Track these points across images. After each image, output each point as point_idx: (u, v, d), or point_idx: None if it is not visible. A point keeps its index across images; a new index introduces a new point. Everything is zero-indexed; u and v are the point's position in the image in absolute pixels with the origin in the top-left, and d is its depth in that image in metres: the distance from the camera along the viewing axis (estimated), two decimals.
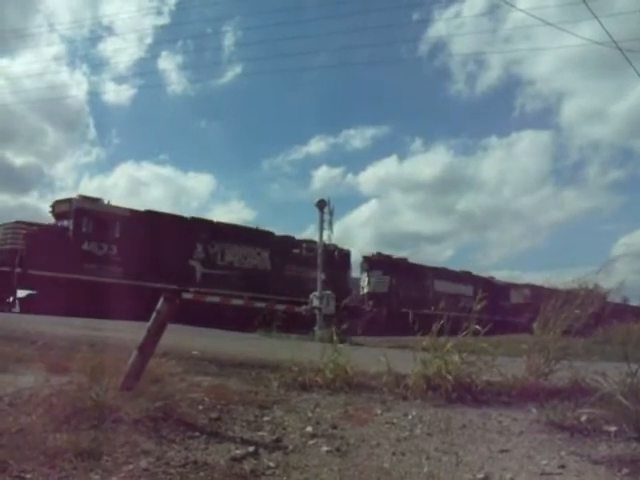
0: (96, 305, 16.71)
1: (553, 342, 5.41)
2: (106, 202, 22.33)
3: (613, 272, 6.80)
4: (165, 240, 22.01)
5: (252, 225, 29.40)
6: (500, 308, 34.87)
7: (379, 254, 33.40)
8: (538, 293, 36.61)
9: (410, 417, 4.33)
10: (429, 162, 75.80)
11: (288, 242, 27.94)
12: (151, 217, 22.78)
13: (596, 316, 7.17)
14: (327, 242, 21.88)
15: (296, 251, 27.71)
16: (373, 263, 32.91)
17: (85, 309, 15.90)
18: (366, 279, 32.47)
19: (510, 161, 78.07)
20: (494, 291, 36.51)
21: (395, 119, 76.53)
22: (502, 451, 3.52)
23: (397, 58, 52.85)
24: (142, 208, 23.84)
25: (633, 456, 3.38)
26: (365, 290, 32.36)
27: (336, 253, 27.93)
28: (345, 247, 30.90)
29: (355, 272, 32.66)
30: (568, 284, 6.12)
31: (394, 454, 3.41)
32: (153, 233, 21.63)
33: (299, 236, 29.84)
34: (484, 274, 41.11)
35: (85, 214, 21.09)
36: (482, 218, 78.06)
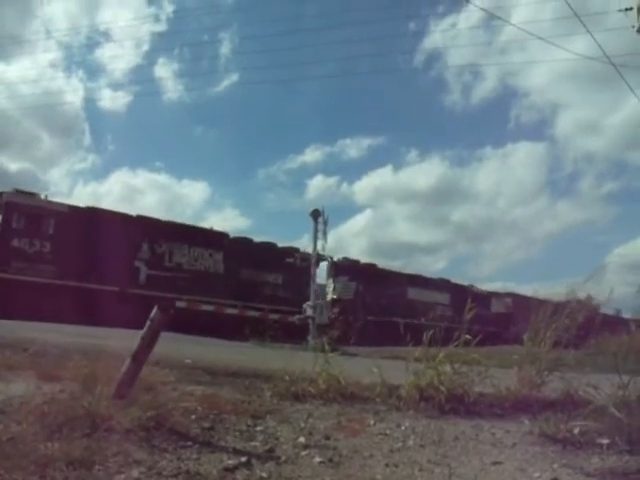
0: (25, 306, 16.13)
1: (544, 353, 5.42)
2: (43, 197, 21.04)
3: (605, 284, 6.82)
4: (107, 239, 20.36)
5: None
6: (479, 317, 34.23)
7: (345, 259, 31.58)
8: (520, 302, 35.22)
9: (403, 428, 4.33)
10: (424, 172, 75.93)
11: (244, 244, 26.47)
12: (92, 214, 21.26)
13: (587, 327, 7.17)
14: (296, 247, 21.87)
15: (253, 254, 26.15)
16: (338, 268, 30.85)
17: (12, 310, 14.95)
18: (331, 285, 30.33)
19: (505, 172, 78.37)
20: (473, 300, 37.10)
21: (391, 129, 76.70)
22: (495, 463, 3.52)
23: (394, 69, 53.18)
24: (82, 204, 22.49)
25: (625, 469, 3.39)
26: (330, 297, 30.14)
27: (297, 256, 27.06)
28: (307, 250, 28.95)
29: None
30: (556, 295, 6.09)
31: (387, 465, 3.41)
32: (93, 231, 20.24)
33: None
34: (466, 282, 40.29)
35: (16, 209, 19.84)
36: (477, 229, 78.17)
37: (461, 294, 34.03)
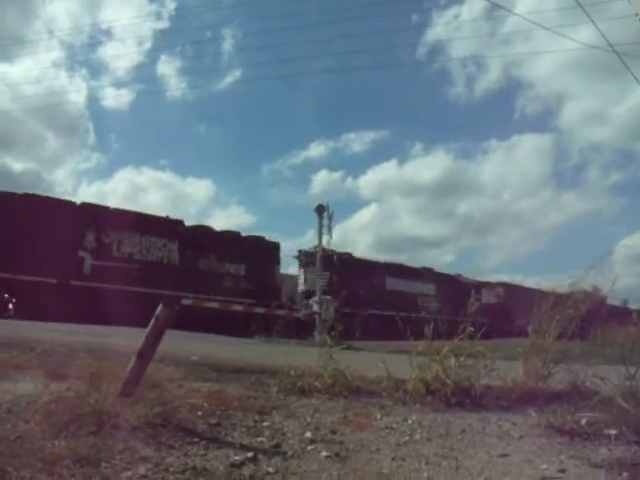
0: None
1: (549, 345, 5.40)
2: None
3: (609, 273, 6.78)
4: (46, 227, 19.14)
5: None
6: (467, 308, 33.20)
7: (318, 247, 30.27)
8: (513, 292, 35.30)
9: (409, 422, 4.33)
10: (429, 166, 75.83)
11: (203, 233, 24.99)
12: (29, 201, 20.00)
13: (593, 318, 7.14)
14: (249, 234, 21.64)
15: (213, 243, 24.78)
16: (310, 258, 28.37)
17: None
18: (302, 276, 29.18)
19: (510, 164, 78.13)
20: (460, 290, 33.68)
21: (395, 123, 76.63)
22: (502, 455, 3.52)
23: (397, 62, 53.00)
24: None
25: (633, 459, 3.37)
26: (301, 289, 29.04)
27: (262, 244, 26.10)
28: (274, 239, 28.30)
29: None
30: (562, 287, 6.04)
31: (394, 459, 3.40)
32: (32, 219, 19.08)
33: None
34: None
35: None
36: (482, 222, 78.02)
37: (448, 284, 34.23)
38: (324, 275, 27.50)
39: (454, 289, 32.33)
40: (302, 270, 28.89)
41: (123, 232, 22.27)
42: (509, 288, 37.34)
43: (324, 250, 29.53)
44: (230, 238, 25.58)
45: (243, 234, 26.80)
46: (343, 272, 28.34)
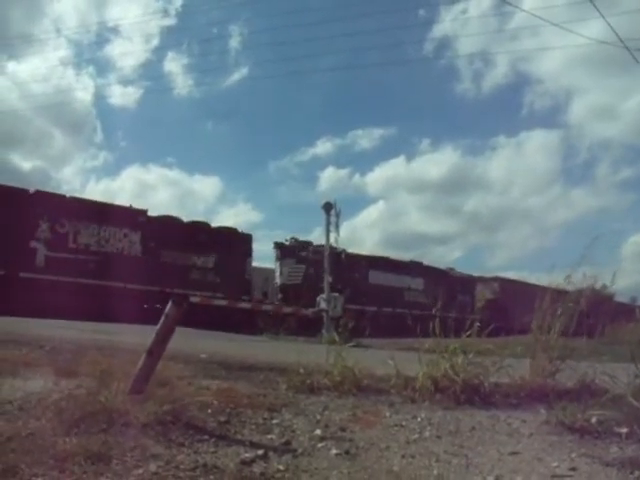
0: None
1: (555, 341, 5.36)
2: None
3: (622, 272, 6.72)
4: None
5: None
6: (460, 304, 30.18)
7: (294, 239, 28.67)
8: (509, 287, 34.15)
9: (419, 419, 4.32)
10: (437, 162, 75.54)
11: (168, 224, 23.58)
12: None
13: (600, 315, 7.08)
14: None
15: (179, 235, 23.39)
16: (285, 250, 28.32)
17: None
18: (278, 269, 28.22)
19: (519, 161, 77.74)
20: (452, 285, 33.11)
21: (402, 119, 76.39)
22: (512, 453, 3.51)
23: (404, 59, 52.80)
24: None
25: None
26: (277, 282, 28.24)
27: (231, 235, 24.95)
28: (246, 231, 27.09)
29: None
30: (561, 282, 5.95)
31: (403, 457, 3.40)
32: None
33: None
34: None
35: None
36: (490, 218, 77.76)
37: (438, 279, 32.65)
38: (299, 268, 27.48)
39: (445, 284, 31.33)
40: (278, 263, 28.08)
41: (80, 222, 21.18)
42: (505, 283, 36.30)
43: (304, 243, 28.34)
44: (198, 229, 24.45)
45: (213, 225, 25.78)
46: (321, 265, 25.46)
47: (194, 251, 23.82)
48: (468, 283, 36.37)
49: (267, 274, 29.40)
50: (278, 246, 28.33)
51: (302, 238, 28.44)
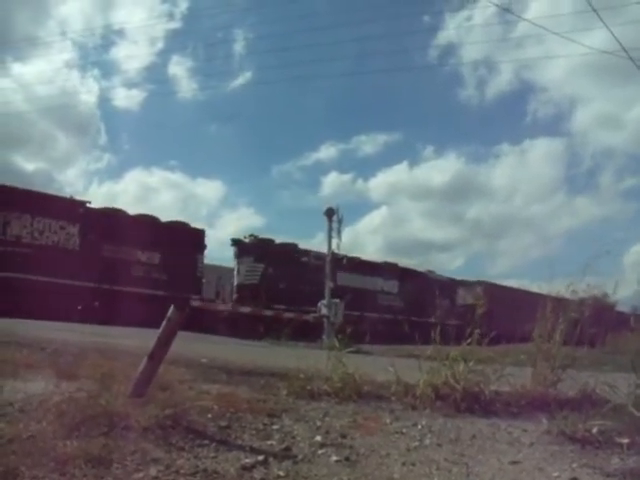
0: None
1: (557, 350, 5.35)
2: None
3: (624, 282, 6.71)
4: None
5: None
6: (442, 310, 29.85)
7: (253, 237, 26.80)
8: (494, 293, 31.49)
9: (419, 427, 4.31)
10: (440, 169, 75.45)
11: (110, 217, 22.08)
12: None
13: (602, 325, 7.06)
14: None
15: (122, 229, 21.72)
16: (244, 248, 26.53)
17: None
18: (236, 268, 26.75)
19: (522, 168, 77.60)
20: (430, 288, 32.82)
21: (406, 125, 76.62)
22: (513, 462, 3.50)
23: (409, 65, 52.94)
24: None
25: None
26: (235, 282, 26.85)
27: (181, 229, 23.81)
28: (199, 227, 26.03)
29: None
30: (559, 290, 5.92)
31: (404, 464, 3.39)
32: None
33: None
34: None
35: None
36: (493, 226, 77.57)
37: (415, 282, 30.88)
38: (257, 267, 25.76)
39: (422, 287, 29.87)
40: (236, 261, 26.63)
41: (11, 212, 19.83)
42: (490, 288, 33.80)
43: (264, 241, 26.42)
44: (144, 223, 22.81)
45: (163, 219, 24.46)
46: (283, 264, 25.63)
47: (139, 246, 22.56)
48: (448, 287, 34.46)
49: (222, 272, 28.30)
50: (236, 243, 26.83)
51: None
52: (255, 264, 25.86)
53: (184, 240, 23.62)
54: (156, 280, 22.42)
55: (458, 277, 38.04)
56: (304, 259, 26.77)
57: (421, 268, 35.72)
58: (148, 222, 22.99)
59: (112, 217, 22.05)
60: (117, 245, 21.87)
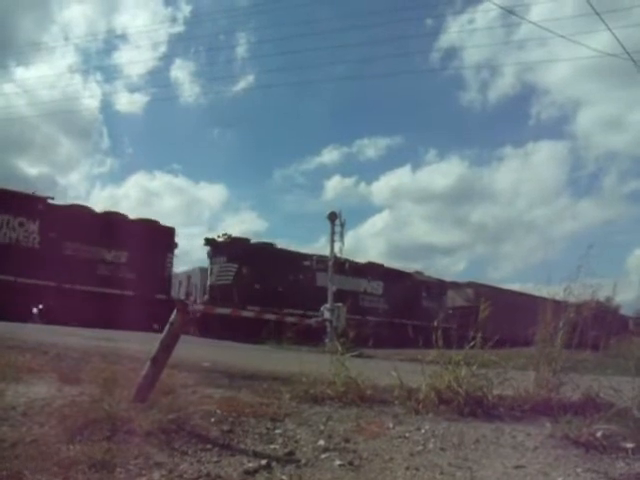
0: None
1: (559, 354, 5.33)
2: None
3: (628, 285, 6.67)
4: None
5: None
6: (426, 311, 28.21)
7: (227, 235, 25.51)
8: (485, 294, 32.30)
9: (423, 431, 4.29)
10: (443, 172, 75.60)
11: (75, 214, 21.03)
12: None
13: (605, 328, 7.02)
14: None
15: (87, 225, 20.88)
16: (217, 248, 25.34)
17: None
18: (209, 268, 25.76)
19: (525, 171, 77.60)
20: (417, 290, 31.23)
21: (409, 129, 76.69)
22: (517, 467, 3.48)
23: (411, 68, 53.00)
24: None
25: None
26: (207, 282, 25.75)
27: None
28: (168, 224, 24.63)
29: None
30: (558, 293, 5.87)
31: (407, 469, 3.38)
32: None
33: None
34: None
35: None
36: (496, 230, 77.64)
37: (401, 283, 29.91)
38: (230, 267, 24.27)
39: (408, 289, 29.90)
40: (209, 261, 25.56)
41: None
42: (480, 289, 32.92)
43: (239, 240, 25.01)
44: (111, 220, 21.83)
45: (131, 217, 23.37)
46: (258, 264, 24.32)
47: (104, 244, 21.52)
48: (436, 288, 33.71)
49: (194, 273, 27.75)
50: (209, 243, 25.57)
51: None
52: (228, 264, 24.74)
53: (153, 238, 22.42)
54: (122, 279, 21.52)
55: (461, 279, 37.45)
56: (282, 259, 25.71)
57: (422, 271, 35.01)
58: (115, 219, 22.15)
59: (76, 214, 21.16)
60: (81, 243, 20.92)
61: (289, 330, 14.04)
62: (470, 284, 35.12)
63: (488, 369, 5.33)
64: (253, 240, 26.38)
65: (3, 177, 62.63)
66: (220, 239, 25.20)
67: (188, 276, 27.81)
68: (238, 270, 24.28)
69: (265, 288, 23.76)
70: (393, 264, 33.57)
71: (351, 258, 26.79)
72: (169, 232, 24.26)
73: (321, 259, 26.12)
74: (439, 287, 34.04)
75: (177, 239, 24.83)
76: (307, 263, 26.47)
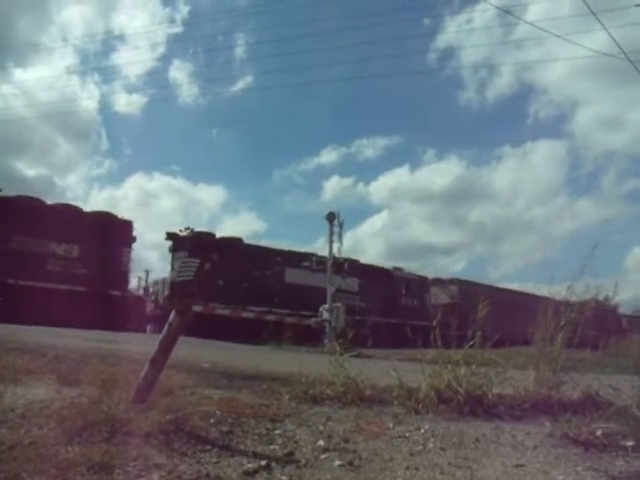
0: None
1: (559, 353, 5.33)
2: None
3: (626, 284, 6.68)
4: None
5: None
6: (405, 309, 28.42)
7: (189, 229, 24.40)
8: (470, 291, 29.52)
9: (422, 431, 4.29)
10: (441, 172, 75.84)
11: (22, 206, 20.15)
12: None
13: (604, 327, 7.03)
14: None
15: (35, 218, 19.95)
16: (179, 242, 24.09)
17: None
18: (170, 263, 24.60)
19: (524, 171, 77.89)
20: (396, 287, 30.53)
21: (407, 129, 77.09)
22: (517, 466, 3.47)
23: (409, 69, 53.08)
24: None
25: None
26: (169, 278, 24.75)
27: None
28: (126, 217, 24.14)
29: None
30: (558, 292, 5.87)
31: (407, 468, 3.37)
32: None
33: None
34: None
35: None
36: (495, 229, 77.75)
37: (378, 280, 28.97)
38: (192, 262, 23.21)
39: (387, 286, 29.17)
40: (171, 256, 24.49)
41: None
42: (465, 286, 32.59)
43: (203, 234, 24.18)
44: (62, 213, 21.05)
45: (86, 210, 22.78)
46: (222, 260, 23.43)
47: (55, 237, 20.73)
48: (417, 285, 32.82)
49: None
50: (171, 237, 24.41)
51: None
52: (190, 259, 23.66)
53: (109, 232, 21.59)
54: (75, 275, 20.80)
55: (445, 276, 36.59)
56: (249, 255, 24.81)
57: (402, 267, 33.93)
58: (67, 212, 21.39)
59: (23, 205, 20.39)
60: (29, 236, 20.12)
61: (288, 330, 14.03)
62: (454, 281, 34.50)
63: (488, 368, 5.33)
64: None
65: (1, 179, 62.67)
66: (182, 233, 24.23)
67: (146, 270, 27.88)
68: (200, 265, 23.34)
69: (229, 284, 22.97)
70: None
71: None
72: (126, 226, 23.54)
73: (291, 255, 26.29)
74: (420, 284, 33.15)
75: (135, 233, 24.23)
76: (278, 259, 25.80)
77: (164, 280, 25.13)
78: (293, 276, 25.70)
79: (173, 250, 24.17)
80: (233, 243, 24.77)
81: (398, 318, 26.64)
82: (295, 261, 26.22)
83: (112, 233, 21.84)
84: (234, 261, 23.50)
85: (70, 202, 23.25)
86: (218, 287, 22.60)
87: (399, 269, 32.97)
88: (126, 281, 23.58)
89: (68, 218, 20.84)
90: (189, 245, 23.77)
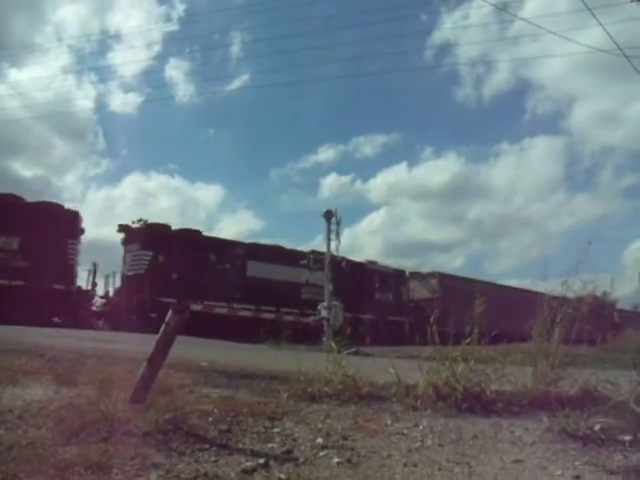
0: None
1: (557, 348, 5.33)
2: None
3: (625, 279, 6.70)
4: None
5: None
6: (379, 304, 27.53)
7: (143, 221, 23.05)
8: (451, 285, 29.84)
9: (421, 428, 4.29)
10: (439, 169, 75.85)
11: None
12: None
13: (602, 322, 7.04)
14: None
15: None
16: (131, 234, 22.87)
17: None
18: (122, 256, 23.49)
19: (522, 167, 77.90)
20: (370, 281, 29.31)
21: (405, 126, 76.99)
22: (515, 462, 3.47)
23: (407, 66, 53.09)
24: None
25: None
26: (120, 272, 23.54)
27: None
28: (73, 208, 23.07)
29: None
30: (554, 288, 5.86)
31: (406, 465, 3.37)
32: None
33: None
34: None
35: None
36: (493, 226, 77.83)
37: (350, 273, 27.69)
38: (144, 255, 22.30)
39: (359, 280, 27.92)
40: (123, 249, 23.47)
41: None
42: (445, 280, 31.99)
43: (157, 226, 22.98)
44: (2, 204, 19.81)
45: (28, 199, 21.47)
46: (177, 252, 22.30)
47: (12, 232, 19.81)
48: (393, 279, 31.52)
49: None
50: (123, 229, 23.15)
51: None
52: (142, 252, 22.46)
53: (53, 223, 20.22)
54: (14, 268, 19.59)
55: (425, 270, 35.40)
56: (207, 247, 23.91)
57: (376, 260, 32.75)
58: (7, 202, 20.12)
59: None
60: None
61: (286, 329, 14.00)
62: (434, 274, 33.23)
63: (486, 365, 5.33)
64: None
65: None
66: (135, 225, 23.07)
67: (93, 263, 25.30)
68: (153, 258, 22.22)
69: (184, 278, 21.99)
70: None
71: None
72: (72, 216, 22.36)
73: (255, 247, 25.39)
74: (396, 278, 31.92)
75: (84, 224, 23.05)
76: (239, 252, 25.00)
77: (114, 274, 23.81)
78: (256, 270, 24.75)
79: (125, 243, 23.21)
80: (190, 235, 23.79)
81: (371, 314, 26.13)
82: (260, 254, 25.25)
83: (57, 224, 20.68)
84: (189, 254, 22.60)
85: (49, 199, 22.37)
86: (172, 281, 21.71)
87: (373, 262, 31.79)
88: (72, 275, 22.26)
89: (7, 208, 19.73)
90: (142, 237, 22.72)
